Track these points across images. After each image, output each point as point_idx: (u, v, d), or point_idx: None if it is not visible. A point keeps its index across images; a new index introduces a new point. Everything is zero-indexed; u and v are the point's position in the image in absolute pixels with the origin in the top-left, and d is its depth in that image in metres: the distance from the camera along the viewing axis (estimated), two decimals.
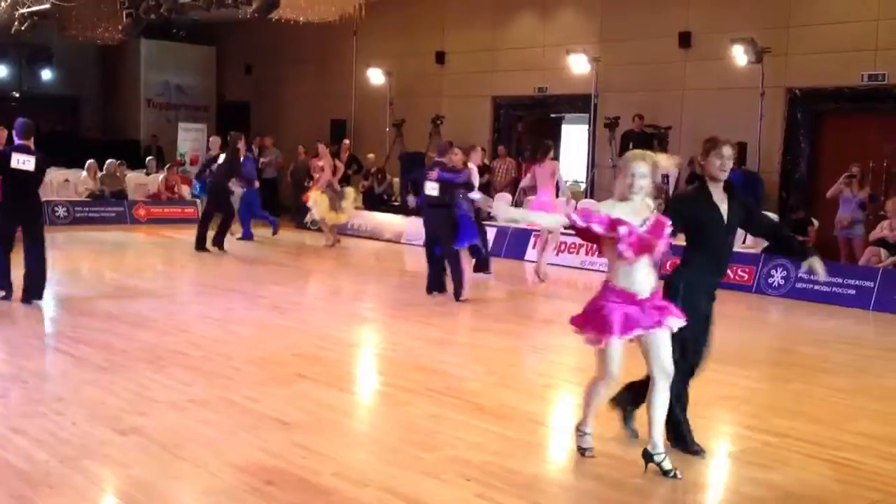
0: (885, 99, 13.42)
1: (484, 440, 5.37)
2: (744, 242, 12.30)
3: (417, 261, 12.57)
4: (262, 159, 19.62)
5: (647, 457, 4.83)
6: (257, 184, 15.88)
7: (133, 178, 19.45)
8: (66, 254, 13.77)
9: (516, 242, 14.97)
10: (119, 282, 11.20)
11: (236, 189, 15.19)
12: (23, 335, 8.08)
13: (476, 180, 11.44)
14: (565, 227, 4.97)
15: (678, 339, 4.86)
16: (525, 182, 12.39)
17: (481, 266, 11.42)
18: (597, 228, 4.64)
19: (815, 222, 12.86)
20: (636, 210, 4.70)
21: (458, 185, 10.20)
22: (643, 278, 4.74)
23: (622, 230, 4.60)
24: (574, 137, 18.95)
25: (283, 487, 4.50)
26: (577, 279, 13.04)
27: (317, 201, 15.34)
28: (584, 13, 17.12)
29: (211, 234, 14.25)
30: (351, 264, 14.21)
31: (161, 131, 23.22)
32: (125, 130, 24.40)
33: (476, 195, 10.31)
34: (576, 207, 4.71)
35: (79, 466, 4.69)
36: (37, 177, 9.31)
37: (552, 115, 18.77)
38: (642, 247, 4.64)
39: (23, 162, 9.07)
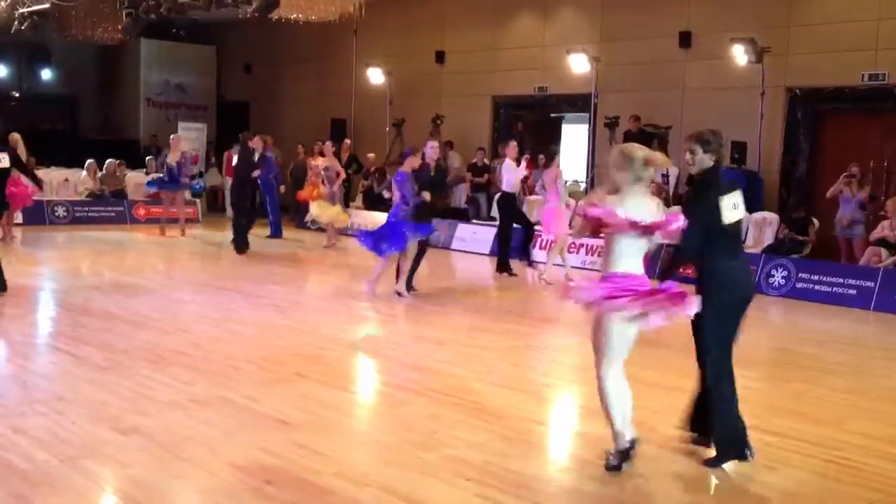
0: (886, 99, 13.41)
1: (484, 440, 5.37)
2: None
3: None
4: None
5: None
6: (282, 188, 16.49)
7: (133, 177, 19.43)
8: (66, 253, 13.78)
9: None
10: (119, 281, 11.19)
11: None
12: (23, 334, 8.08)
13: (510, 175, 12.26)
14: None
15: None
16: (538, 187, 12.46)
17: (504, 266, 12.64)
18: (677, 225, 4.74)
19: (816, 222, 12.86)
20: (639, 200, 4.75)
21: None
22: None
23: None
24: (574, 137, 18.95)
25: (282, 487, 4.50)
26: (576, 278, 13.02)
27: (322, 207, 15.39)
28: (584, 13, 17.11)
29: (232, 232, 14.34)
30: (350, 264, 14.20)
31: (161, 131, 23.18)
32: (125, 130, 24.40)
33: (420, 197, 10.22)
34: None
35: (79, 466, 4.69)
36: (7, 172, 9.37)
37: (552, 115, 18.77)
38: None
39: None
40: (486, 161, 17.89)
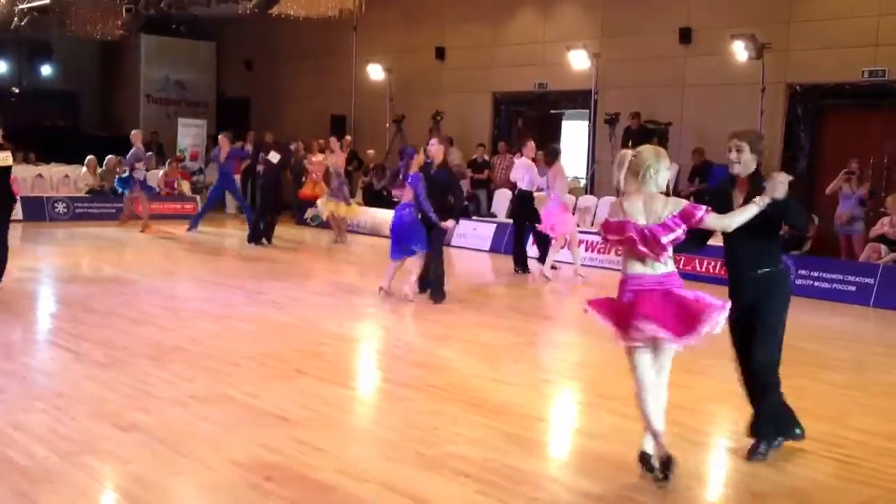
0: (886, 95, 13.41)
1: (484, 436, 5.37)
2: None
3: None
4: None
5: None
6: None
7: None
8: (66, 249, 13.77)
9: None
10: (119, 277, 11.18)
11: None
12: (23, 331, 8.08)
13: (531, 174, 12.34)
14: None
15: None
16: (543, 184, 12.41)
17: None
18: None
19: (815, 219, 12.85)
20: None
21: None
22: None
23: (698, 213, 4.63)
24: (574, 133, 18.95)
25: (282, 483, 4.50)
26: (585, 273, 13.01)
27: (332, 204, 15.41)
28: (584, 9, 17.11)
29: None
30: (351, 260, 14.20)
31: (161, 127, 23.21)
32: (125, 126, 24.33)
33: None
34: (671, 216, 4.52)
35: (79, 462, 4.69)
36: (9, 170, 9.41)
37: (552, 111, 18.77)
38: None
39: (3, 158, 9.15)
40: (486, 157, 17.89)
